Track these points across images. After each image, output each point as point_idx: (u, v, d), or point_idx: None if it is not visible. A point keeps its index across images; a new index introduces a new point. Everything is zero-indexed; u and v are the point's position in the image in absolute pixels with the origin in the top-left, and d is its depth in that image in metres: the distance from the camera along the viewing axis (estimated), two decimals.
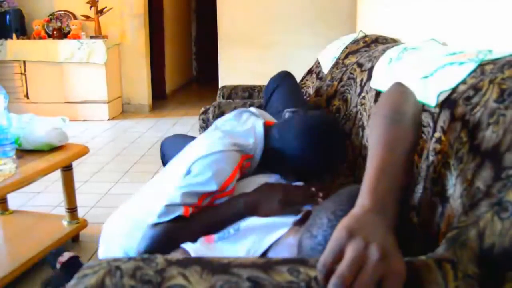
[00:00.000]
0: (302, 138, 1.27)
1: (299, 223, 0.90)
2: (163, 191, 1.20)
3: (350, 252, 0.57)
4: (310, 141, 1.26)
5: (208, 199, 1.16)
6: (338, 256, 0.57)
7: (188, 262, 0.64)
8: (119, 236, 1.28)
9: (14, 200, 2.38)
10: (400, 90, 0.90)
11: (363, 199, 0.66)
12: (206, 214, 1.15)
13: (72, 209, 2.16)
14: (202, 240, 1.00)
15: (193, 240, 1.05)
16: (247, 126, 1.34)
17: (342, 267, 0.56)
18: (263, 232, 1.01)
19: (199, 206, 1.15)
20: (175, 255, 0.96)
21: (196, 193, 1.14)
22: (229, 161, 1.19)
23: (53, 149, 2.02)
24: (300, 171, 1.30)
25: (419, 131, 0.81)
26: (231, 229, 1.04)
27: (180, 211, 1.11)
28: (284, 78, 2.13)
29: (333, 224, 0.72)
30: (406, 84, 0.94)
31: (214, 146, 1.20)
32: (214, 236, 1.02)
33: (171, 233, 1.10)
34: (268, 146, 1.31)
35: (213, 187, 1.14)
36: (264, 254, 0.97)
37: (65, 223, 2.15)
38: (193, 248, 0.97)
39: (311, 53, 3.37)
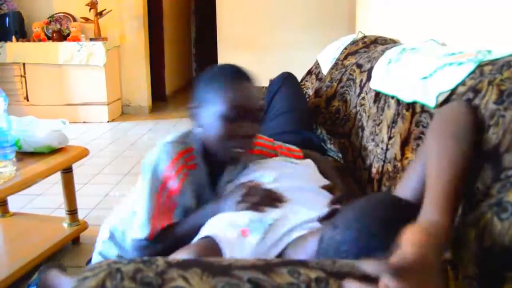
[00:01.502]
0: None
1: (324, 219, 0.90)
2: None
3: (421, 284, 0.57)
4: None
5: (164, 193, 1.17)
6: (410, 273, 0.57)
7: (189, 264, 0.64)
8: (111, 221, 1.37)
9: (14, 203, 2.38)
10: (462, 109, 0.91)
11: (439, 216, 0.69)
12: (183, 225, 1.17)
13: (72, 211, 2.15)
14: (239, 232, 1.00)
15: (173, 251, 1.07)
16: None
17: None
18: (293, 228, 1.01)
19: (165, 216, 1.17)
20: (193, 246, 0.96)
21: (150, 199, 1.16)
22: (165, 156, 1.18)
23: (53, 151, 2.02)
24: None
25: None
26: (265, 226, 1.03)
27: (147, 232, 1.15)
28: (286, 79, 2.13)
29: (357, 218, 0.73)
30: (467, 104, 0.95)
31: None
32: (248, 230, 1.02)
33: (151, 250, 1.16)
34: None
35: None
36: (284, 250, 0.97)
37: (65, 225, 2.15)
38: (227, 239, 0.98)
39: (310, 54, 3.37)
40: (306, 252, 0.91)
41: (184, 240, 1.10)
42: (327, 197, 1.20)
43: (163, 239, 1.16)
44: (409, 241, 0.62)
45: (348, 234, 0.73)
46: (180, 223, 1.18)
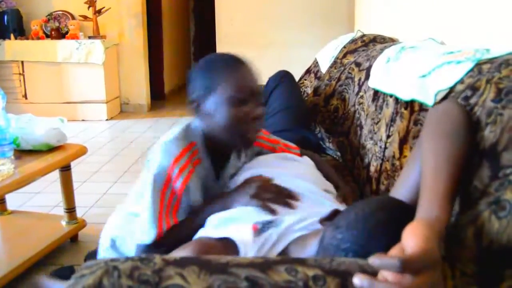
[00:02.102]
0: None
1: (326, 220, 0.90)
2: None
3: (430, 279, 0.57)
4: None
5: (168, 193, 1.14)
6: (415, 268, 0.57)
7: (186, 262, 0.64)
8: (111, 227, 1.35)
9: (12, 200, 2.37)
10: (457, 108, 0.92)
11: (440, 213, 0.70)
12: (189, 225, 1.14)
13: (70, 209, 2.15)
14: (251, 228, 1.00)
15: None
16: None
17: (414, 285, 0.56)
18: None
19: (171, 212, 1.14)
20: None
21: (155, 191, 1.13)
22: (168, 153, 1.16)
23: (52, 149, 2.01)
24: None
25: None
26: (271, 224, 1.02)
27: (153, 234, 1.12)
28: (283, 78, 2.13)
29: (359, 219, 0.73)
30: (458, 101, 0.97)
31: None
32: (258, 227, 1.01)
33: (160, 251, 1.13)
34: None
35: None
36: (285, 249, 0.97)
37: (63, 223, 2.15)
38: (243, 239, 0.97)
39: (309, 53, 3.37)
40: (306, 252, 0.91)
41: (191, 236, 1.09)
42: (330, 199, 1.19)
43: (171, 240, 1.10)
44: (411, 234, 0.62)
45: (349, 233, 0.73)
46: (188, 222, 1.15)
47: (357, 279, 0.57)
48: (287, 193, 1.12)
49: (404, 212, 0.76)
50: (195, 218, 1.15)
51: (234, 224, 1.04)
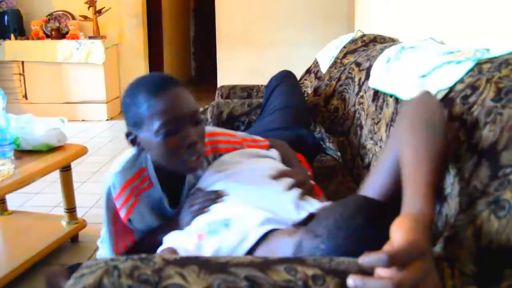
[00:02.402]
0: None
1: (300, 224, 0.90)
2: None
3: (420, 268, 0.58)
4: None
5: (119, 220, 1.21)
6: (405, 260, 0.58)
7: (186, 261, 0.64)
8: None
9: (12, 201, 2.38)
10: (432, 100, 0.93)
11: (423, 206, 0.70)
12: (146, 245, 1.19)
13: (71, 210, 2.15)
14: (196, 237, 1.00)
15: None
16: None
17: (406, 277, 0.56)
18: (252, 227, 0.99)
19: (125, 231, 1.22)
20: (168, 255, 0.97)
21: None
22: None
23: (52, 149, 2.02)
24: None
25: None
26: (221, 225, 1.02)
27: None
28: (285, 77, 2.13)
29: (339, 226, 0.73)
30: (431, 93, 0.98)
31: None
32: (204, 234, 1.01)
33: None
34: None
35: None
36: (251, 250, 0.95)
37: (64, 223, 2.15)
38: (185, 247, 0.98)
39: (309, 53, 3.37)
40: (280, 253, 0.87)
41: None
42: (280, 184, 1.18)
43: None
44: (397, 229, 0.62)
45: (333, 243, 0.72)
46: (142, 242, 1.23)
47: (350, 280, 0.57)
48: (213, 195, 1.14)
49: (382, 211, 0.76)
50: (145, 241, 1.23)
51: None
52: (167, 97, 1.10)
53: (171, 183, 1.24)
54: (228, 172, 1.22)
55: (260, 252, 0.93)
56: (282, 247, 0.87)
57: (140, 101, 1.10)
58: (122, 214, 1.18)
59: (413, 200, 0.72)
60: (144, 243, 1.23)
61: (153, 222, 1.23)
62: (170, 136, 1.09)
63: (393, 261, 0.56)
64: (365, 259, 0.57)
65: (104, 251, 1.25)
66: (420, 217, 0.66)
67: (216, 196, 1.13)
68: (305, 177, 1.29)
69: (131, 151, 1.22)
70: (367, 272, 0.58)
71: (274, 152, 1.40)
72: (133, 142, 1.17)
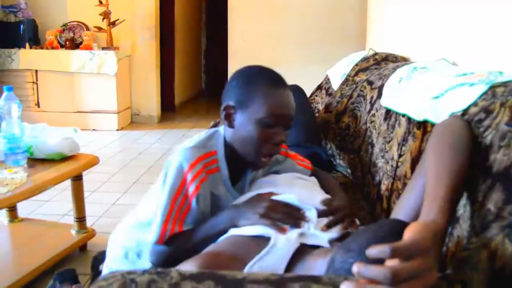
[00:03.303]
0: None
1: (335, 241, 0.90)
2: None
3: (420, 264, 0.61)
4: None
5: (180, 197, 1.17)
6: (406, 253, 0.60)
7: (202, 276, 0.65)
8: (121, 235, 1.37)
9: (23, 208, 2.39)
10: (461, 123, 0.97)
11: (437, 216, 0.75)
12: (196, 233, 1.16)
13: (80, 219, 2.17)
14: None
15: (188, 257, 1.09)
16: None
17: (404, 267, 0.59)
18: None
19: (179, 218, 1.17)
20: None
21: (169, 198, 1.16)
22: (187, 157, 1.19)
23: (64, 158, 2.04)
24: None
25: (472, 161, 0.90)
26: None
27: (157, 237, 1.15)
28: (294, 92, 2.13)
29: (371, 243, 0.74)
30: (462, 118, 1.03)
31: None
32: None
33: (163, 256, 1.16)
34: None
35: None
36: (290, 266, 0.96)
37: (73, 232, 2.17)
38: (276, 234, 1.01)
39: (320, 69, 3.39)
40: (313, 272, 0.90)
41: (197, 248, 1.10)
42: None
43: (175, 245, 1.15)
44: (408, 231, 0.67)
45: (361, 258, 0.73)
46: (194, 230, 1.17)
47: (355, 267, 0.59)
48: (296, 213, 1.11)
49: None
50: (201, 228, 1.17)
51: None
52: (282, 94, 1.19)
53: (233, 173, 1.27)
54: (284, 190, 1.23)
55: (296, 271, 0.94)
56: (317, 267, 0.88)
57: (258, 86, 1.18)
58: (192, 188, 1.16)
59: (428, 211, 0.77)
60: (193, 233, 1.17)
61: (208, 208, 1.21)
62: (266, 128, 1.16)
63: (395, 253, 0.59)
64: (371, 251, 0.60)
65: (153, 227, 1.17)
66: (432, 225, 0.71)
67: (299, 216, 1.09)
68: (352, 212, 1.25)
69: (204, 132, 1.27)
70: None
71: (313, 179, 1.42)
72: (227, 116, 1.21)
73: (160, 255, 1.17)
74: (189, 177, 1.16)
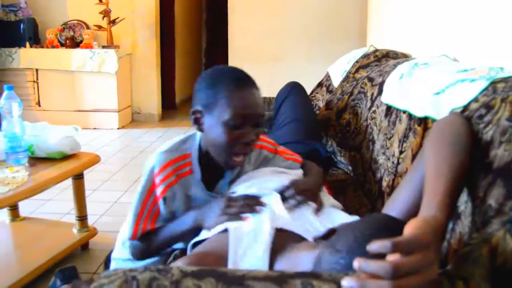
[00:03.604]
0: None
1: (320, 239, 0.91)
2: None
3: (421, 258, 0.61)
4: None
5: (150, 199, 1.24)
6: (407, 248, 0.61)
7: (203, 273, 0.65)
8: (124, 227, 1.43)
9: (24, 207, 2.40)
10: (460, 120, 0.97)
11: (437, 212, 0.75)
12: (163, 232, 1.25)
13: (82, 217, 2.17)
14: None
15: (158, 253, 1.27)
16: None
17: (405, 261, 0.59)
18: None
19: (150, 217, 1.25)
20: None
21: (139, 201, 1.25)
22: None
23: (65, 157, 2.04)
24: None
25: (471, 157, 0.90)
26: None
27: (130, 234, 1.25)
28: (293, 89, 2.13)
29: (359, 242, 0.74)
30: (461, 115, 1.03)
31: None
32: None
33: (138, 250, 1.28)
34: None
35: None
36: (270, 263, 0.97)
37: (75, 231, 2.17)
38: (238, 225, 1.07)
39: (321, 66, 3.39)
40: (300, 265, 0.90)
41: (167, 244, 1.25)
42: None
43: (145, 242, 1.25)
44: (408, 227, 0.67)
45: (352, 259, 0.73)
46: (161, 228, 1.25)
47: (356, 262, 0.59)
48: (251, 201, 1.15)
49: (403, 231, 0.77)
50: (165, 227, 1.25)
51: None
52: (246, 94, 1.18)
53: (210, 174, 1.29)
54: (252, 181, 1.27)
55: (281, 263, 0.95)
56: (302, 261, 0.89)
57: (221, 88, 1.17)
58: (159, 190, 1.22)
59: (428, 207, 0.77)
60: (161, 231, 1.25)
61: (181, 209, 1.26)
62: (234, 129, 1.16)
63: (396, 248, 0.59)
64: (372, 246, 0.60)
65: (127, 224, 1.28)
66: (432, 221, 0.71)
67: (255, 203, 1.14)
68: (312, 186, 1.30)
69: (180, 136, 1.30)
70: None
71: (300, 171, 1.43)
72: (196, 120, 1.22)
73: (135, 249, 1.28)
74: (157, 180, 1.23)
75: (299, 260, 0.91)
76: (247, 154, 1.24)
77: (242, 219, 1.10)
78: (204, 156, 1.26)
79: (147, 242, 1.25)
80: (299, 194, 1.18)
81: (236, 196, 1.18)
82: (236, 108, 1.15)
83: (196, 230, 1.18)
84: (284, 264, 0.96)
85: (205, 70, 1.27)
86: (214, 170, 1.29)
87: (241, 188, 1.25)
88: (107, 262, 1.70)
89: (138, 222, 1.24)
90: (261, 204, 1.14)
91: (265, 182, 1.26)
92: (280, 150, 1.45)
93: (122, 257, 1.37)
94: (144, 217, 1.24)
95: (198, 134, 1.27)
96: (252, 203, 1.14)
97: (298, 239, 1.02)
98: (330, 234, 0.89)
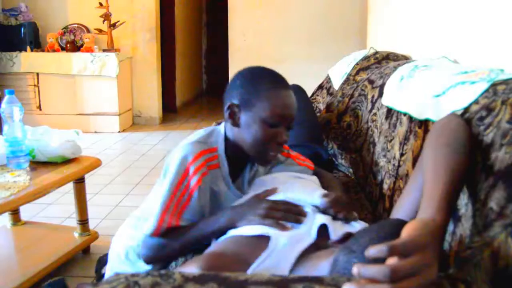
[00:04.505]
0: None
1: (337, 242, 0.91)
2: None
3: (418, 260, 0.61)
4: None
5: (180, 190, 1.17)
6: (404, 251, 0.61)
7: (205, 278, 0.65)
8: (124, 236, 1.37)
9: (25, 211, 2.40)
10: (458, 121, 0.98)
11: (434, 213, 0.76)
12: (192, 229, 1.17)
13: (83, 221, 2.17)
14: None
15: (184, 254, 1.18)
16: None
17: (403, 264, 0.60)
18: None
19: (178, 210, 1.17)
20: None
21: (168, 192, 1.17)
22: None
23: (67, 161, 2.04)
24: None
25: (471, 158, 0.91)
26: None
27: (153, 229, 1.15)
28: (295, 92, 2.13)
29: (374, 243, 0.74)
30: (458, 115, 1.03)
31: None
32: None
33: (157, 250, 1.17)
34: None
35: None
36: (293, 269, 0.96)
37: (76, 235, 2.17)
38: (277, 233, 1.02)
39: (321, 68, 3.39)
40: (316, 273, 0.90)
41: (188, 246, 1.16)
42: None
43: (169, 239, 1.16)
44: (405, 229, 0.68)
45: (366, 259, 0.74)
46: (190, 226, 1.17)
47: (354, 268, 0.60)
48: (295, 209, 1.12)
49: None
50: (196, 225, 1.17)
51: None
52: (286, 95, 1.22)
53: (234, 169, 1.29)
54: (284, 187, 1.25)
55: (300, 271, 0.95)
56: (319, 270, 0.89)
57: (262, 86, 1.20)
58: (195, 180, 1.16)
59: (426, 209, 0.78)
60: (189, 229, 1.17)
61: (207, 204, 1.22)
62: (270, 127, 1.19)
63: (392, 251, 0.60)
64: (370, 251, 0.60)
65: (151, 218, 1.17)
66: (430, 223, 0.71)
67: (298, 212, 1.10)
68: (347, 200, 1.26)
69: (203, 130, 1.28)
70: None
71: (314, 177, 1.43)
72: (232, 115, 1.22)
73: (152, 248, 1.17)
74: (192, 169, 1.17)
75: (316, 268, 0.91)
76: (279, 153, 1.28)
77: (286, 228, 1.05)
78: (229, 151, 1.26)
79: (169, 240, 1.16)
80: (340, 211, 1.13)
81: (279, 201, 1.14)
82: (275, 107, 1.18)
83: (222, 232, 1.13)
84: (301, 272, 0.95)
85: (242, 69, 1.28)
86: (236, 167, 1.29)
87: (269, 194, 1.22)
88: (98, 267, 1.69)
89: (163, 216, 1.15)
90: (303, 214, 1.10)
91: (290, 189, 1.24)
92: (293, 154, 1.46)
93: (124, 271, 1.31)
94: (171, 210, 1.15)
95: (222, 129, 1.27)
96: (295, 211, 1.11)
97: (317, 246, 1.02)
98: (346, 238, 0.89)
